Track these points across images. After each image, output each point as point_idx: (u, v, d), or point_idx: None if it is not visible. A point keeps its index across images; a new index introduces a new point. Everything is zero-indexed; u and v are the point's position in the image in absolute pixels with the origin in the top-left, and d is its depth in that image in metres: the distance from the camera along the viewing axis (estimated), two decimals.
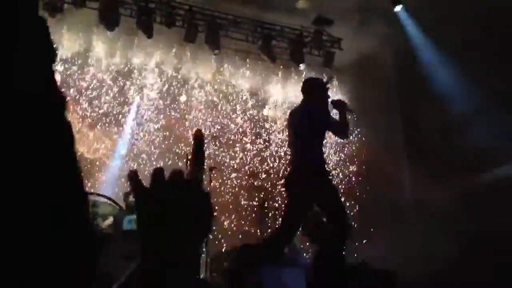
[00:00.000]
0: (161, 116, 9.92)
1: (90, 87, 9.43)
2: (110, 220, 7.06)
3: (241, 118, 10.50)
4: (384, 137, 9.48)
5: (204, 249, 6.84)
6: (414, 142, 9.82)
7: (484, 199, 8.18)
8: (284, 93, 10.81)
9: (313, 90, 5.21)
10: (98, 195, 7.72)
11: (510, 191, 7.53)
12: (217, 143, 10.12)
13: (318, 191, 4.84)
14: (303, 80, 5.76)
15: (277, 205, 10.05)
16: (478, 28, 7.69)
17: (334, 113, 5.34)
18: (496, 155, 8.07)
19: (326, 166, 5.23)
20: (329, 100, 5.18)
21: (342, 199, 5.35)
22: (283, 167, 10.38)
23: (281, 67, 10.50)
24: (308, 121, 4.92)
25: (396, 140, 9.96)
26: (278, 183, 10.19)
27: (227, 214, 9.59)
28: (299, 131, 5.01)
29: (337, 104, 5.23)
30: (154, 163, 9.49)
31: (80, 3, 8.55)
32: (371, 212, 9.65)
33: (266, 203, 9.26)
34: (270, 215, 9.89)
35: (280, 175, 10.38)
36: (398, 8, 8.82)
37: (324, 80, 5.42)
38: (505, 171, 8.22)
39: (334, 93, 10.54)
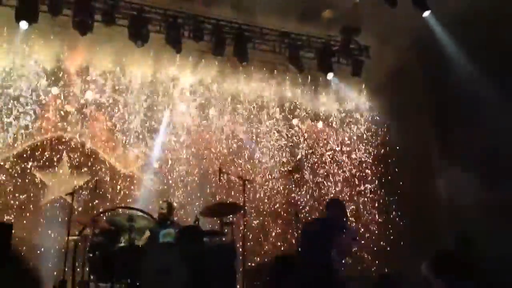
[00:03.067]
0: (191, 130, 9.95)
1: (122, 102, 9.53)
2: (147, 234, 7.08)
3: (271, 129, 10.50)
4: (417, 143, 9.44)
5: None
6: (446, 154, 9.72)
7: None
8: (313, 103, 10.77)
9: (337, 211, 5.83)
10: (133, 209, 7.79)
11: None
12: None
13: None
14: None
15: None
16: None
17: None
18: None
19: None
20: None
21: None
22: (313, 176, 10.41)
23: (309, 77, 10.48)
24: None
25: (428, 149, 9.88)
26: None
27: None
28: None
29: (350, 233, 5.76)
30: (186, 177, 9.54)
31: (110, 20, 8.69)
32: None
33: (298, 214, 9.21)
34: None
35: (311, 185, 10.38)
36: (426, 13, 8.75)
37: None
38: None
39: (366, 100, 10.62)
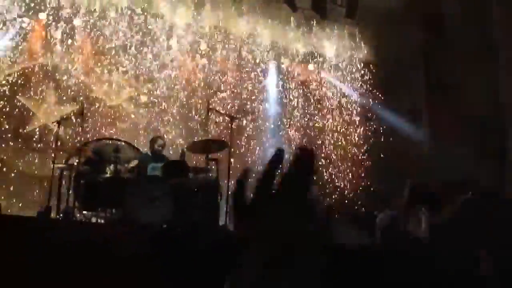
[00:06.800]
0: (181, 65, 9.79)
1: (112, 31, 9.29)
2: (134, 162, 7.06)
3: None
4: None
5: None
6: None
7: None
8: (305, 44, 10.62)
9: None
10: (120, 140, 7.80)
11: None
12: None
13: None
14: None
15: None
16: None
17: None
18: None
19: None
20: None
21: None
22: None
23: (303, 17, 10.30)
24: None
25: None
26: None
27: None
28: None
29: None
30: (173, 112, 9.47)
31: None
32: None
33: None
34: None
35: None
36: None
37: None
38: None
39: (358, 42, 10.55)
